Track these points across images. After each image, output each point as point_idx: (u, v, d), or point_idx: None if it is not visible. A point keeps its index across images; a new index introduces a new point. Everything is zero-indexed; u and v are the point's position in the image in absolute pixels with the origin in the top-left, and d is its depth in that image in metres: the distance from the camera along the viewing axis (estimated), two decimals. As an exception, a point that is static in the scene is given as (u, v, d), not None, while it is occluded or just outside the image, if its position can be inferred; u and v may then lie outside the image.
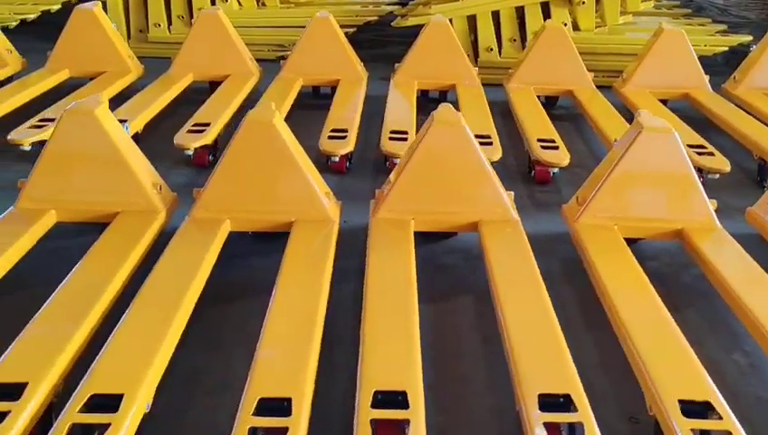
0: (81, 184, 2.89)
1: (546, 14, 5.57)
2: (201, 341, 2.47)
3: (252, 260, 3.03)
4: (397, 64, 4.94)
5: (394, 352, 2.13)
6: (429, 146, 2.89)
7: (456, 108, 3.10)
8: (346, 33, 5.11)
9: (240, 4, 6.12)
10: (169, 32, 5.93)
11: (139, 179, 2.91)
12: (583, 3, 5.51)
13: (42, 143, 3.68)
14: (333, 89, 4.91)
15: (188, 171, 3.81)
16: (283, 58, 5.17)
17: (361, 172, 3.92)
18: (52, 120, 3.84)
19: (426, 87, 4.87)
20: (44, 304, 2.30)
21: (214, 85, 4.92)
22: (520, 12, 5.58)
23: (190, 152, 3.73)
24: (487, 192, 2.94)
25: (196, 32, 4.83)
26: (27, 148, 3.64)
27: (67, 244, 3.03)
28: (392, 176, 3.02)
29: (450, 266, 3.04)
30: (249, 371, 2.06)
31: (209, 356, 2.45)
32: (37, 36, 5.88)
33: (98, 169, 2.89)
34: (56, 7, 6.11)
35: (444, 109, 2.98)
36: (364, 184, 3.78)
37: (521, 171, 3.96)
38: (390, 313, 2.33)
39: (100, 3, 4.96)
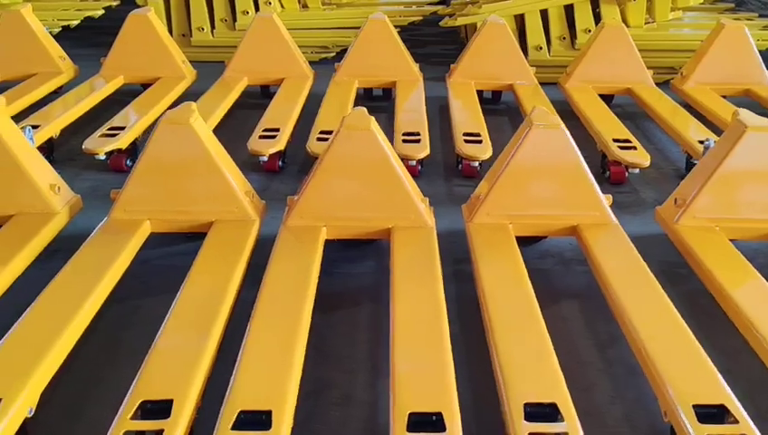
0: (175, 194, 2.85)
1: (595, 11, 5.53)
2: (315, 351, 2.43)
3: (343, 267, 2.99)
4: (452, 65, 4.90)
5: (532, 363, 2.10)
6: (528, 150, 2.84)
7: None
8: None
9: (282, 6, 6.07)
10: (213, 35, 5.89)
11: (234, 188, 2.87)
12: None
13: (111, 153, 3.68)
14: (385, 90, 4.90)
15: (258, 177, 3.76)
16: (336, 60, 5.13)
17: (433, 175, 3.88)
18: (123, 128, 3.81)
19: (483, 87, 4.81)
20: (167, 317, 2.27)
21: (264, 88, 4.91)
22: (568, 9, 5.53)
23: (265, 158, 3.70)
24: (586, 195, 2.89)
25: (251, 36, 4.79)
26: (102, 157, 3.60)
27: (155, 253, 3.00)
28: (486, 180, 2.98)
29: (546, 271, 3.00)
30: (389, 383, 2.02)
31: (326, 367, 2.42)
32: (77, 41, 5.87)
33: (193, 179, 2.85)
34: (99, 13, 6.05)
35: (539, 112, 2.94)
36: (438, 187, 3.74)
37: (593, 172, 3.90)
38: (516, 321, 2.30)
39: (153, 9, 4.92)
